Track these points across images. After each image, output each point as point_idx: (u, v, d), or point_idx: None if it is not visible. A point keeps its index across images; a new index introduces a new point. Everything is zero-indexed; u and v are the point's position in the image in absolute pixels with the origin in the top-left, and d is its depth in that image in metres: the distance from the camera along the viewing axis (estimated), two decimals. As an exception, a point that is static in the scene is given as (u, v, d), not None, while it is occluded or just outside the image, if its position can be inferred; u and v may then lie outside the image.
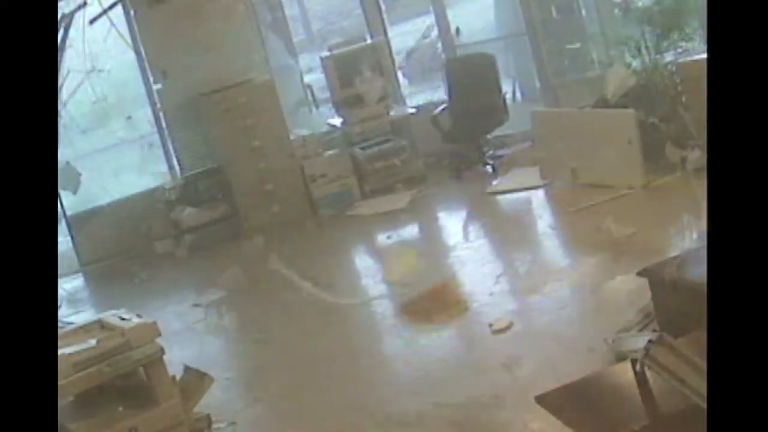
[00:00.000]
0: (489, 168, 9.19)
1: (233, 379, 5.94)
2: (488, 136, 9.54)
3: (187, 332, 6.90)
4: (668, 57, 8.10)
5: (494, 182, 8.76)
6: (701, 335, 2.63)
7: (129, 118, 9.84)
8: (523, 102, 10.41)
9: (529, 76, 10.26)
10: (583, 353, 4.85)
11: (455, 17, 10.33)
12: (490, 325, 5.67)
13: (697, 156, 7.20)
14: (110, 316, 4.92)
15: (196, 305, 7.43)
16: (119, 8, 9.37)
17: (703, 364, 3.16)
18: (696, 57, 7.41)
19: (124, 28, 9.46)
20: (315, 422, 5.11)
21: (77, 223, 9.40)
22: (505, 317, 5.72)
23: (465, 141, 9.40)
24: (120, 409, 4.73)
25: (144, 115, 10.02)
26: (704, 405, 2.80)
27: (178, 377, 4.92)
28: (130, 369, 4.65)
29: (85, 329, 4.84)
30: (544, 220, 7.50)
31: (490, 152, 9.45)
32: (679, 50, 8.04)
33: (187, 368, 5.03)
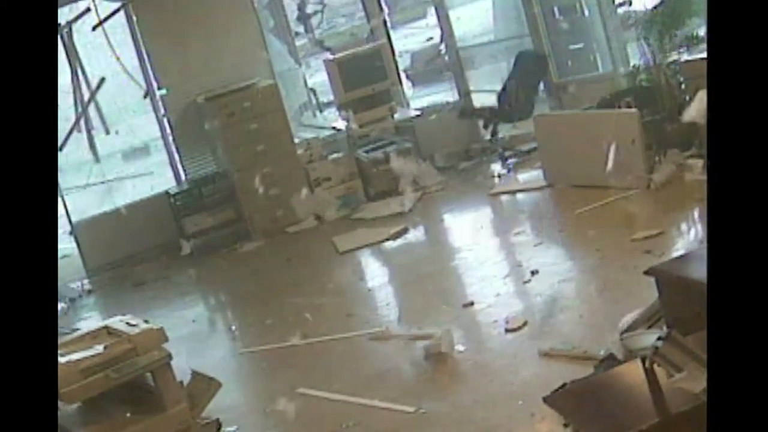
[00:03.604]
0: (502, 168, 9.20)
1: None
2: (493, 138, 9.55)
3: (193, 337, 6.92)
4: (672, 56, 8.10)
5: (500, 184, 8.76)
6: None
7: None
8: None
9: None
10: (590, 353, 4.85)
11: (456, 21, 10.34)
12: (507, 321, 5.69)
13: (700, 155, 7.20)
14: (117, 322, 4.93)
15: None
16: (122, 14, 9.40)
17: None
18: (701, 55, 7.39)
19: (126, 33, 9.49)
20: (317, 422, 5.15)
21: (82, 229, 9.42)
22: (519, 317, 5.73)
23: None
24: (127, 414, 4.74)
25: (148, 120, 10.04)
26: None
27: (185, 382, 4.93)
28: (137, 375, 4.67)
29: (92, 335, 4.86)
30: (548, 221, 7.49)
31: (499, 152, 9.44)
32: (683, 49, 8.03)
33: (194, 373, 5.04)
